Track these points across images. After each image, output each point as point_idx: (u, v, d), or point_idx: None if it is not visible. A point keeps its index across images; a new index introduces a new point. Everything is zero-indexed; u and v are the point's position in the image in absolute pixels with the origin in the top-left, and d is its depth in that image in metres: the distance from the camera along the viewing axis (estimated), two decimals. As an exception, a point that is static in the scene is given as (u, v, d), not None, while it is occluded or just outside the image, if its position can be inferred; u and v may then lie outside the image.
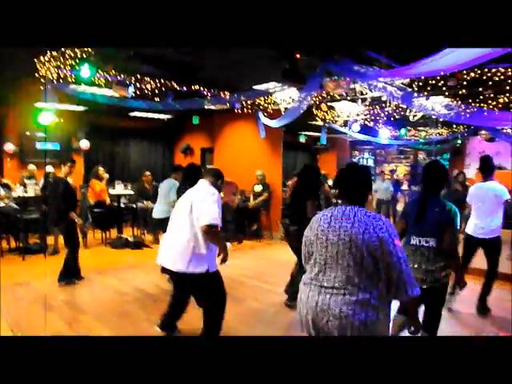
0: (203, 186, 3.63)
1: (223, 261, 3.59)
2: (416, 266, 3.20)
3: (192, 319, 3.86)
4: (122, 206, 9.79)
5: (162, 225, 5.65)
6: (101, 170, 8.58)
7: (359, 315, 2.08)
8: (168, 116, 11.66)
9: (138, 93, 7.28)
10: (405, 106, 8.07)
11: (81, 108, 9.87)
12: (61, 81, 6.56)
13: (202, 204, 3.38)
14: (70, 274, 5.78)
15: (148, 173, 9.49)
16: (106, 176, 8.71)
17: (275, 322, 4.60)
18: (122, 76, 6.62)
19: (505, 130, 9.77)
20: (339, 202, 2.38)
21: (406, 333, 3.55)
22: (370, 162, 16.60)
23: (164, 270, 3.70)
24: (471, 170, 11.97)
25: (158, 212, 6.60)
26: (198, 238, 3.42)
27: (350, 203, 2.27)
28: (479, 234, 4.73)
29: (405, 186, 12.42)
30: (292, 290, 4.86)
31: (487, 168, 4.86)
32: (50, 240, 7.57)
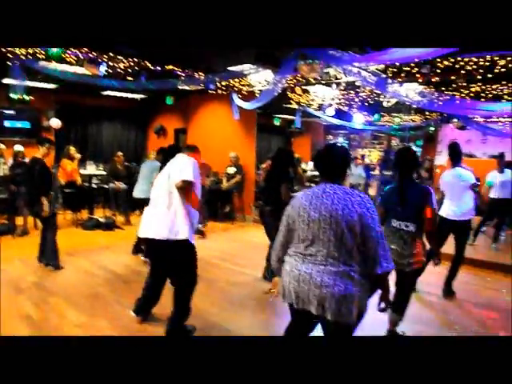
0: (182, 157, 3.68)
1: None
2: (393, 247, 3.37)
3: (166, 303, 3.85)
4: (94, 186, 9.67)
5: (142, 204, 5.61)
6: (72, 149, 8.40)
7: (339, 286, 2.18)
8: (142, 96, 11.48)
9: (110, 71, 7.13)
10: (379, 92, 8.14)
11: (51, 86, 9.61)
12: (30, 57, 6.36)
13: (179, 167, 3.48)
14: (54, 256, 5.68)
15: (120, 153, 9.35)
16: (78, 156, 8.54)
17: (246, 303, 4.66)
18: (94, 54, 6.46)
19: (476, 119, 9.97)
20: (312, 184, 2.46)
21: (401, 327, 3.72)
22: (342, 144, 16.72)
23: (146, 253, 3.70)
24: (443, 157, 12.21)
25: (138, 192, 6.53)
26: (177, 204, 3.49)
27: (330, 181, 2.37)
28: (451, 216, 4.85)
29: (376, 172, 12.58)
30: (271, 273, 4.99)
31: (455, 154, 4.98)
32: (19, 221, 7.44)
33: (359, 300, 2.23)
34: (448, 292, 5.04)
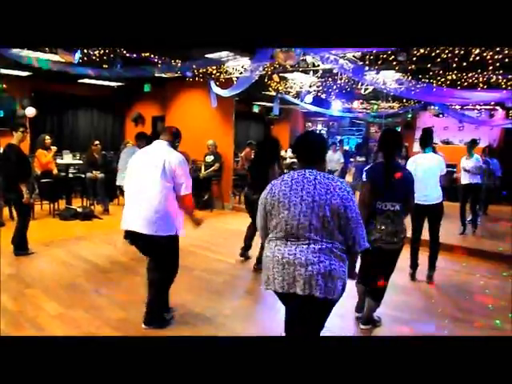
0: (165, 147, 3.58)
1: (198, 224, 3.88)
2: (383, 227, 3.46)
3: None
4: (71, 176, 9.54)
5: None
6: (47, 138, 8.23)
7: (323, 262, 2.27)
8: (118, 83, 11.31)
9: (85, 59, 7.00)
10: (356, 79, 8.18)
11: (26, 73, 9.40)
12: (1, 44, 6.21)
13: (181, 172, 3.46)
14: (23, 245, 5.64)
15: (97, 142, 9.21)
16: (54, 148, 8.36)
17: (224, 292, 4.70)
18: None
19: (453, 106, 10.11)
20: (295, 167, 2.53)
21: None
22: (323, 134, 16.82)
23: (128, 236, 3.63)
24: (419, 142, 12.36)
25: (121, 179, 6.46)
26: (170, 201, 3.46)
27: (309, 167, 2.43)
28: (424, 201, 4.88)
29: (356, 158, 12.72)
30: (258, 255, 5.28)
31: (425, 140, 5.04)
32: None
33: (343, 276, 2.35)
34: (430, 278, 5.14)
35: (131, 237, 3.61)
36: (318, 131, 16.90)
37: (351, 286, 3.08)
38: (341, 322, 3.89)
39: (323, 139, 2.64)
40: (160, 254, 3.64)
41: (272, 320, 3.98)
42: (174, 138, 3.73)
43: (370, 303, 3.73)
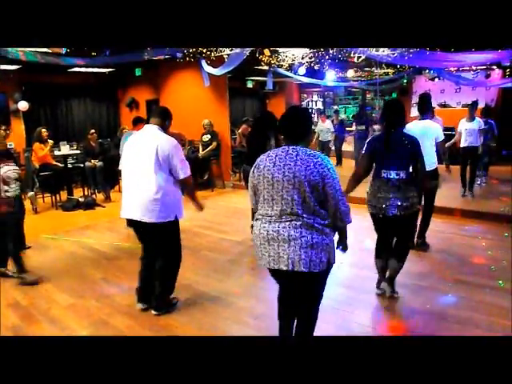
0: (156, 132, 3.54)
1: (200, 209, 3.87)
2: (390, 195, 3.50)
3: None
4: (70, 166, 9.55)
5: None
6: (44, 131, 8.21)
7: (305, 237, 2.35)
8: (109, 69, 11.19)
9: (72, 48, 6.92)
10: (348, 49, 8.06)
11: (14, 66, 9.29)
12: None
13: (176, 157, 3.44)
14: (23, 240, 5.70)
15: (93, 130, 9.19)
16: (51, 142, 8.34)
17: (230, 270, 4.76)
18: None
19: (448, 69, 9.97)
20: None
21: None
22: (319, 105, 16.69)
23: (129, 224, 3.67)
24: (417, 108, 12.24)
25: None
26: (167, 187, 3.47)
27: (294, 143, 2.47)
28: None
29: (353, 127, 12.63)
30: None
31: (423, 106, 4.99)
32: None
33: (326, 247, 2.41)
34: (422, 244, 5.12)
35: (133, 224, 3.65)
36: (312, 102, 16.80)
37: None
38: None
39: (306, 115, 2.63)
40: (161, 240, 3.66)
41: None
42: (164, 119, 3.67)
43: (393, 264, 3.80)
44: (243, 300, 4.00)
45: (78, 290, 4.37)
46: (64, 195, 8.60)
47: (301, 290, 2.61)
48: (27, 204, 8.07)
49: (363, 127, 10.50)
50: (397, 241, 3.80)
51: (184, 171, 3.51)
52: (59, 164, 8.77)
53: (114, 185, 8.99)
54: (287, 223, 2.38)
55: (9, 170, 4.65)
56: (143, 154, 3.46)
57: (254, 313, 3.74)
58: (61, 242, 6.07)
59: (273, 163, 2.44)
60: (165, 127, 3.65)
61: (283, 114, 2.65)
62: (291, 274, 2.41)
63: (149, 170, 3.42)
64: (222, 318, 3.69)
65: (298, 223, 2.36)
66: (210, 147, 9.58)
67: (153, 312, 3.74)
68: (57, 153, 9.41)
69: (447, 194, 6.91)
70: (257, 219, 2.56)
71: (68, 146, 9.79)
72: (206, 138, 9.67)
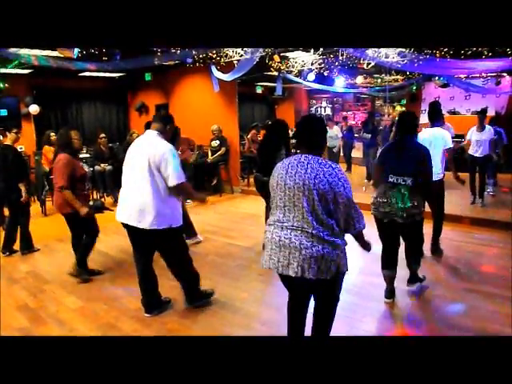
0: (152, 138, 3.54)
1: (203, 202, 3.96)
2: (393, 201, 3.56)
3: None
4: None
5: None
6: (52, 135, 8.27)
7: (317, 247, 2.37)
8: (119, 74, 11.27)
9: (84, 53, 6.98)
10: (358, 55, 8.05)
11: (26, 71, 9.38)
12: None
13: (165, 164, 3.38)
14: (31, 242, 5.75)
15: (103, 135, 9.27)
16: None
17: (238, 276, 4.75)
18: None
19: (458, 76, 9.91)
20: (298, 152, 2.61)
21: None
22: (328, 111, 16.68)
23: (125, 228, 3.68)
24: (427, 116, 12.20)
25: None
26: (161, 194, 3.45)
27: (307, 152, 2.53)
28: None
29: (361, 134, 12.61)
30: None
31: (433, 114, 4.98)
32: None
33: (337, 259, 2.43)
34: (436, 251, 5.13)
35: (126, 228, 3.65)
36: (321, 109, 16.79)
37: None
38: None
39: (319, 124, 2.66)
40: (156, 247, 3.71)
41: (286, 302, 4.04)
42: (165, 124, 3.65)
43: (412, 268, 3.96)
44: (251, 306, 3.99)
45: (86, 294, 4.38)
46: (73, 198, 8.61)
47: (308, 296, 2.69)
48: (37, 207, 8.16)
49: (369, 135, 10.42)
50: (405, 247, 3.88)
51: (174, 178, 3.40)
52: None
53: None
54: (299, 232, 2.41)
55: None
56: (137, 160, 3.48)
57: (262, 319, 3.72)
58: (69, 245, 6.07)
59: (285, 170, 2.49)
60: (165, 132, 3.63)
61: (298, 122, 2.71)
62: (298, 280, 2.44)
63: (142, 176, 3.43)
64: (229, 323, 3.68)
65: (310, 232, 2.39)
66: (219, 152, 9.60)
67: (187, 305, 3.90)
68: (67, 156, 9.46)
69: (457, 202, 6.87)
70: (270, 224, 2.60)
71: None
72: (215, 143, 9.69)
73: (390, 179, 3.61)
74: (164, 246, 3.68)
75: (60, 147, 4.70)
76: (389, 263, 3.86)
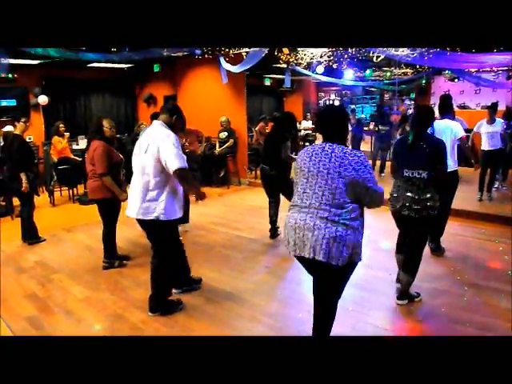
0: (156, 128, 3.53)
1: (200, 199, 3.70)
2: (408, 194, 3.57)
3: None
4: (88, 160, 9.63)
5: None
6: (61, 126, 8.33)
7: (330, 229, 2.43)
8: (128, 65, 11.26)
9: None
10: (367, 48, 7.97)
11: (35, 61, 9.41)
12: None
13: (163, 150, 3.32)
14: (33, 233, 5.80)
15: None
16: (67, 134, 8.47)
17: (244, 268, 4.76)
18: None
19: (468, 70, 9.79)
20: (306, 144, 2.65)
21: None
22: (336, 104, 16.61)
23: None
24: (436, 110, 12.06)
25: None
26: (165, 186, 3.44)
27: (330, 141, 2.59)
28: None
29: (370, 127, 12.51)
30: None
31: (443, 106, 4.94)
32: (17, 202, 7.45)
33: (350, 243, 2.45)
34: (437, 249, 4.99)
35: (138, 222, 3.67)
36: (330, 101, 16.71)
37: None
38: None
39: (342, 113, 2.74)
40: (154, 238, 3.68)
41: (293, 294, 4.06)
42: (172, 115, 3.60)
43: (403, 277, 3.77)
44: (257, 298, 3.99)
45: (94, 284, 4.41)
46: (81, 189, 8.68)
47: (320, 281, 2.70)
48: (45, 197, 8.22)
49: (385, 128, 10.28)
50: (407, 244, 3.79)
51: (174, 163, 3.29)
52: (77, 158, 8.84)
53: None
54: (314, 214, 2.48)
55: None
56: (143, 151, 3.48)
57: (268, 311, 3.73)
58: (77, 235, 6.14)
59: (309, 158, 2.57)
60: (172, 123, 3.58)
61: (320, 111, 2.82)
62: (313, 262, 2.50)
63: (148, 168, 3.42)
64: (235, 315, 3.69)
65: (325, 215, 2.45)
66: (227, 144, 9.59)
67: (149, 313, 3.70)
68: (75, 147, 9.52)
69: (464, 197, 6.81)
70: (289, 210, 2.70)
71: (86, 140, 9.87)
72: (223, 135, 9.68)
73: (404, 173, 3.61)
74: (158, 236, 3.65)
75: (91, 133, 4.87)
76: (402, 248, 3.87)
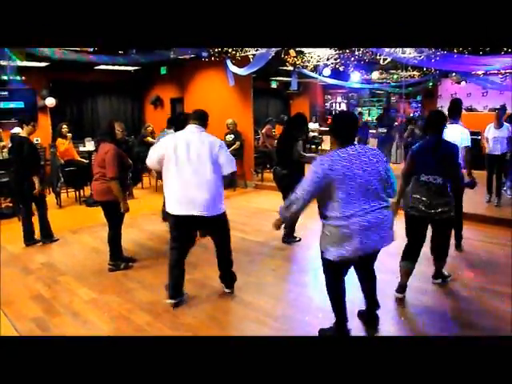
0: (203, 131, 3.83)
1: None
2: (424, 199, 3.68)
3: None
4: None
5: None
6: (64, 127, 8.33)
7: (388, 216, 2.93)
8: (135, 67, 11.31)
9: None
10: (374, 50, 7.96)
11: (43, 64, 9.46)
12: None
13: (225, 154, 3.79)
14: (50, 232, 5.86)
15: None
16: (69, 135, 8.47)
17: (251, 270, 4.74)
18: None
19: (475, 73, 9.75)
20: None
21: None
22: (343, 106, 16.58)
23: (182, 221, 3.74)
24: (446, 112, 11.99)
25: None
26: (220, 182, 3.80)
27: (351, 144, 2.90)
28: None
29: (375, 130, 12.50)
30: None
31: (454, 111, 4.93)
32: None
33: (391, 219, 2.99)
34: (459, 246, 5.21)
35: (186, 221, 3.73)
36: (336, 104, 16.69)
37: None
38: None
39: (356, 119, 3.11)
40: (222, 229, 4.02)
41: (299, 296, 4.04)
42: (205, 121, 3.93)
43: (437, 264, 4.14)
44: (263, 300, 3.98)
45: (100, 285, 4.42)
46: (88, 190, 8.70)
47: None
48: (52, 199, 8.24)
49: (384, 130, 10.31)
50: (433, 244, 3.99)
51: (230, 166, 3.80)
52: (84, 160, 8.88)
53: (136, 182, 9.06)
54: (379, 210, 2.85)
55: None
56: (198, 151, 3.68)
57: (274, 314, 3.72)
58: (83, 237, 6.15)
59: (350, 162, 2.79)
60: (206, 127, 3.92)
61: (335, 117, 3.25)
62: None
63: (206, 167, 3.67)
64: (241, 316, 3.69)
65: (380, 206, 2.86)
66: (233, 147, 9.57)
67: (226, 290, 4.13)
68: (82, 149, 9.54)
69: (472, 200, 6.76)
70: (347, 217, 2.81)
71: (93, 142, 9.91)
72: (230, 137, 9.68)
73: (421, 178, 3.70)
74: (226, 227, 4.06)
75: (102, 136, 4.87)
76: (410, 255, 3.83)
